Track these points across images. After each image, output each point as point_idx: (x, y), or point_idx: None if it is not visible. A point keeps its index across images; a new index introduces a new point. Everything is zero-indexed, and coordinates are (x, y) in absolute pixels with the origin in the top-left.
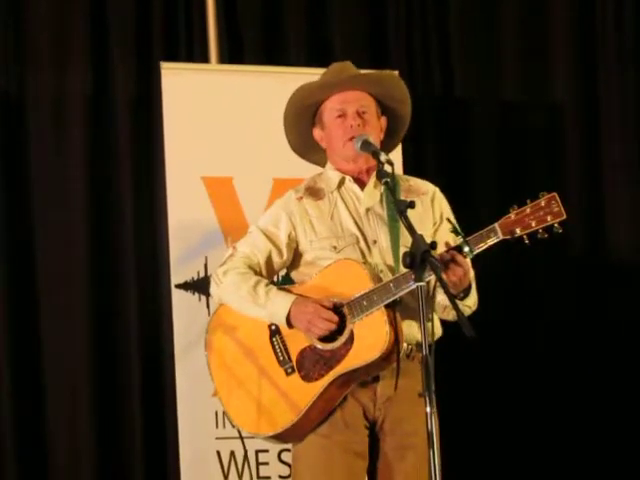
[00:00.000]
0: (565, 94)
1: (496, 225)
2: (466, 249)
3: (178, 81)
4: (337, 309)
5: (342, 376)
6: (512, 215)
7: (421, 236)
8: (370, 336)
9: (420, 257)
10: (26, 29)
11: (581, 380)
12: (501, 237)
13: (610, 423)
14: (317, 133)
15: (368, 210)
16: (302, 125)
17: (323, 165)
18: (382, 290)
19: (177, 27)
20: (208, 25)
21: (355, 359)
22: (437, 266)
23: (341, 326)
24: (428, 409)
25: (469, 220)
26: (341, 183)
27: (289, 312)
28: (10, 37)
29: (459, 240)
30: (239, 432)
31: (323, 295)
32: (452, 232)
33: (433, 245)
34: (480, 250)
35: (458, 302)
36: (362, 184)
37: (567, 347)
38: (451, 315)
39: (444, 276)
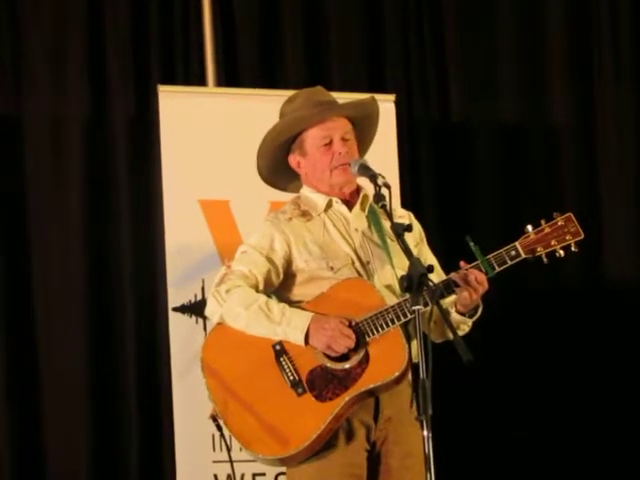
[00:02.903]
0: (562, 116)
1: (517, 244)
2: (489, 268)
3: (175, 104)
4: (352, 327)
5: (359, 395)
6: (531, 234)
7: (418, 259)
8: (387, 354)
9: (417, 281)
10: (23, 52)
11: (579, 398)
12: (523, 256)
13: (611, 448)
14: (294, 159)
15: (357, 231)
16: (277, 153)
17: (286, 190)
18: (397, 309)
19: (174, 50)
20: (205, 48)
21: (373, 378)
22: (434, 290)
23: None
24: (425, 432)
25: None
26: (329, 205)
27: (308, 328)
28: (7, 60)
29: (480, 259)
30: (229, 456)
31: (335, 313)
32: (475, 251)
33: (430, 268)
34: (502, 269)
35: (467, 319)
36: (348, 206)
37: (566, 364)
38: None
39: (466, 294)
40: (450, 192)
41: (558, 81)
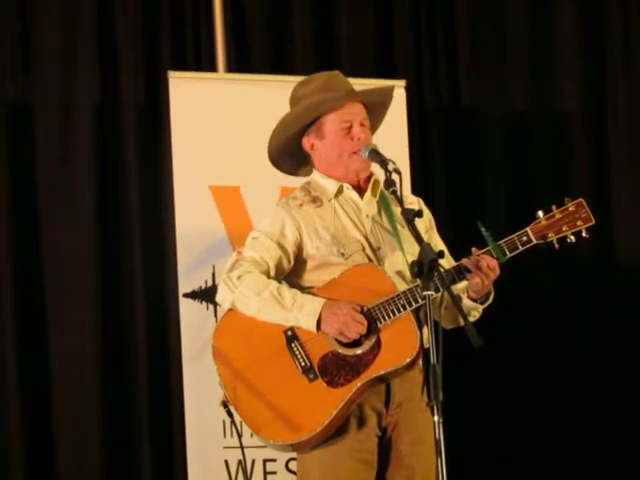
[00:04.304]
0: (573, 102)
1: (528, 230)
2: (500, 254)
3: (186, 90)
4: (363, 313)
5: (370, 381)
6: (542, 220)
7: (428, 245)
8: (399, 340)
9: (428, 266)
10: (34, 38)
11: (587, 384)
12: (534, 242)
13: (621, 432)
14: (308, 141)
15: (368, 217)
16: (291, 135)
17: (292, 174)
18: (409, 295)
19: (185, 36)
20: (216, 34)
21: (384, 364)
22: (444, 276)
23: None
24: (436, 418)
25: (476, 227)
26: (339, 191)
27: (320, 314)
28: (18, 46)
29: (492, 245)
30: (240, 442)
31: (346, 299)
32: (486, 237)
33: (441, 254)
34: (513, 255)
35: (478, 305)
36: (359, 192)
37: (577, 350)
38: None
39: (478, 280)
40: (460, 178)
41: (569, 67)
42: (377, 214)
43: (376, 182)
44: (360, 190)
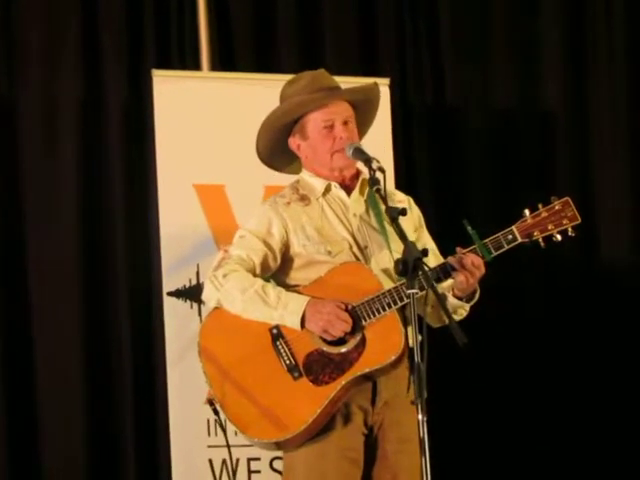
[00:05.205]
0: (556, 100)
1: (513, 228)
2: (486, 253)
3: (170, 88)
4: (348, 311)
5: (355, 379)
6: (528, 219)
7: (413, 243)
8: (384, 339)
9: (412, 264)
10: (17, 36)
11: (573, 383)
12: (519, 240)
13: (608, 434)
14: (294, 142)
15: (355, 216)
16: (277, 135)
17: (282, 171)
18: (394, 293)
19: (169, 34)
20: (200, 32)
21: (369, 362)
22: (429, 274)
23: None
24: (420, 416)
25: (461, 226)
26: (327, 190)
27: (304, 312)
28: (2, 44)
29: (477, 243)
30: (226, 440)
31: (332, 297)
32: (472, 235)
33: (425, 252)
34: (498, 253)
35: (464, 304)
36: (347, 190)
37: (561, 349)
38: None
39: (462, 278)
40: (445, 176)
41: (552, 66)
42: (365, 213)
43: (364, 181)
44: (347, 189)
